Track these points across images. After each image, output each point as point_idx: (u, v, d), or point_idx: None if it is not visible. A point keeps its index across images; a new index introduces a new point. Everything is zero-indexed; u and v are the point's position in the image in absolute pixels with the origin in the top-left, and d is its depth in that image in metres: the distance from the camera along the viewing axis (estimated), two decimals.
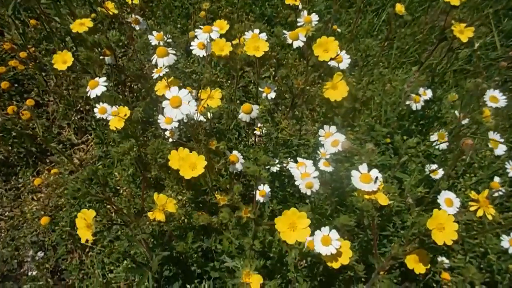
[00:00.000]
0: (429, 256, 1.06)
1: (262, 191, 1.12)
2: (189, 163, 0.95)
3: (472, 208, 0.96)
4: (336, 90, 1.09)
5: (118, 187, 1.76)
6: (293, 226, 0.84)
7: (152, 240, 1.56)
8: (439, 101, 2.06)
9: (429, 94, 1.64)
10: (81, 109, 2.07)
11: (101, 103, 1.15)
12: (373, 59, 2.11)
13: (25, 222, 1.81)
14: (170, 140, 1.29)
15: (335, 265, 0.90)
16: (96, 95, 1.10)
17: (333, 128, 1.14)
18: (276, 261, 1.35)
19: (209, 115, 1.16)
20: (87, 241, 0.96)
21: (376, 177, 0.88)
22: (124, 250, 1.52)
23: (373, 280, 1.05)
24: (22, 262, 1.74)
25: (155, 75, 1.16)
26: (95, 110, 1.18)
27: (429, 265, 1.07)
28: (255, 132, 1.58)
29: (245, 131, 1.83)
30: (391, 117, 1.94)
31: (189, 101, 0.91)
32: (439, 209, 0.90)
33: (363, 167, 0.90)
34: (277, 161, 1.37)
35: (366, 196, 0.87)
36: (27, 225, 1.81)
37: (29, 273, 1.72)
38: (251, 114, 1.21)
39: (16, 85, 2.18)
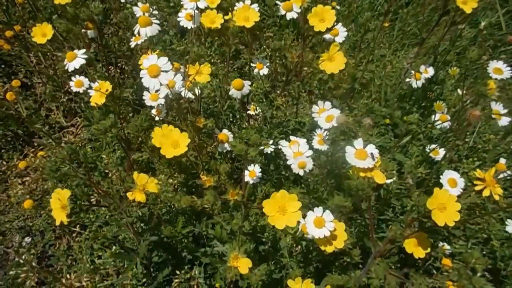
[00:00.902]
0: (429, 240, 0.99)
1: (252, 171, 1.05)
2: (171, 141, 0.88)
3: (477, 188, 0.89)
4: (333, 62, 1.02)
5: (107, 171, 1.69)
6: (282, 210, 0.78)
7: (141, 224, 1.50)
8: (442, 83, 1.98)
9: (430, 72, 1.56)
10: (69, 90, 2.00)
11: (77, 76, 1.08)
12: (373, 40, 2.02)
13: (12, 207, 1.75)
14: (157, 119, 1.22)
15: (329, 249, 0.84)
16: (75, 68, 1.02)
17: (328, 104, 1.07)
18: (269, 246, 1.29)
19: (196, 91, 1.08)
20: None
21: (372, 153, 0.81)
22: (113, 235, 1.46)
23: (369, 265, 0.99)
24: (8, 248, 1.69)
25: (133, 43, 1.08)
26: (71, 83, 1.10)
27: (429, 249, 1.01)
28: (248, 112, 1.51)
29: (239, 113, 1.75)
30: (391, 98, 1.87)
31: (167, 70, 0.84)
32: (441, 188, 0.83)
33: (359, 143, 0.83)
34: (271, 141, 1.30)
35: (362, 174, 0.81)
36: (13, 210, 1.75)
37: (16, 259, 1.66)
38: (242, 90, 1.14)
39: (3, 66, 2.11)
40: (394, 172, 0.82)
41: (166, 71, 0.84)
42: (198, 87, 1.06)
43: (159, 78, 0.84)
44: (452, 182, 0.94)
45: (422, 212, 0.84)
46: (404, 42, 2.42)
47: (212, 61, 2.12)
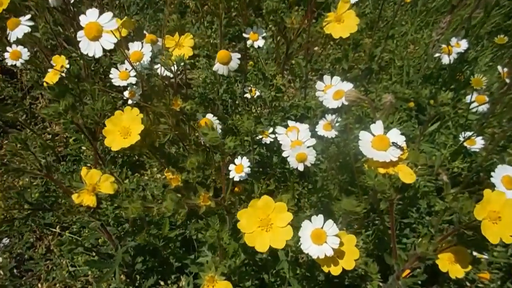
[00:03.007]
0: (470, 255, 0.76)
1: (239, 166, 0.84)
2: (119, 128, 0.67)
3: None
4: (342, 24, 0.77)
5: (89, 164, 1.50)
6: (266, 224, 0.55)
7: (124, 227, 1.31)
8: (473, 62, 1.71)
9: (463, 45, 1.30)
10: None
11: (15, 46, 0.87)
12: (392, 18, 1.77)
13: None
14: (130, 102, 1.01)
15: (334, 270, 0.61)
16: (17, 38, 0.82)
17: (336, 79, 0.83)
18: (268, 255, 1.07)
19: (172, 65, 0.87)
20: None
21: (396, 142, 0.58)
22: (88, 240, 1.27)
23: (390, 286, 0.76)
24: None
25: None
26: (6, 54, 0.90)
27: (470, 267, 0.77)
28: (245, 95, 1.28)
29: (241, 99, 1.53)
30: (414, 79, 1.61)
31: (110, 29, 0.62)
32: (493, 190, 0.59)
33: (377, 126, 0.60)
34: (271, 129, 1.07)
35: (381, 170, 0.58)
36: None
37: None
38: (229, 64, 0.92)
39: None
40: (427, 167, 0.59)
41: (110, 32, 0.62)
42: (174, 61, 0.85)
43: (100, 41, 0.63)
44: (509, 181, 0.69)
45: (465, 221, 0.61)
46: (428, 20, 2.15)
47: (212, 42, 1.91)
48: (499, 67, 1.19)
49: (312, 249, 0.58)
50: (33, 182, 1.53)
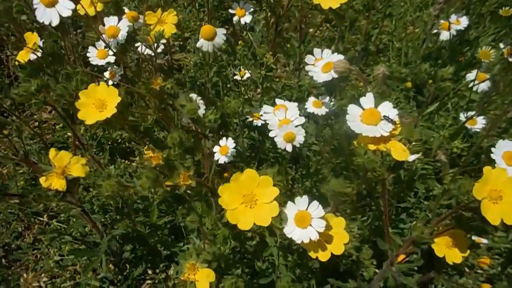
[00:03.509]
0: (468, 239, 0.72)
1: (224, 147, 0.79)
2: (94, 101, 0.62)
3: None
4: None
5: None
6: (250, 200, 0.51)
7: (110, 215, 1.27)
8: (475, 42, 1.65)
9: (463, 22, 1.24)
10: None
11: None
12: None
13: None
14: (110, 83, 0.96)
15: (322, 256, 0.57)
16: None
17: (327, 52, 0.77)
18: (258, 241, 1.03)
19: (152, 42, 0.81)
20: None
21: (388, 116, 0.53)
22: (70, 228, 1.23)
23: (383, 274, 0.72)
24: None
25: None
26: None
27: (468, 252, 0.73)
28: (235, 77, 1.23)
29: (231, 82, 1.47)
30: (413, 60, 1.55)
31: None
32: (493, 167, 0.54)
33: (367, 100, 0.55)
34: (261, 110, 1.02)
35: (372, 146, 0.53)
36: None
37: None
38: (214, 40, 0.86)
39: None
40: (421, 143, 0.54)
41: None
42: (153, 36, 0.79)
43: (57, 7, 0.57)
44: (510, 157, 0.64)
45: (464, 201, 0.57)
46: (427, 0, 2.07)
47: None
48: (501, 44, 1.13)
49: (296, 233, 0.53)
50: (19, 170, 1.48)
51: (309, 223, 0.54)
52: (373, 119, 0.53)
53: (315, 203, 0.55)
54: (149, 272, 1.21)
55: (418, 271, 1.04)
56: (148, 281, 1.20)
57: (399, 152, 0.53)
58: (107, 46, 0.75)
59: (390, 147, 0.53)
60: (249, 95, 1.22)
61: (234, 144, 0.80)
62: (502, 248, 1.27)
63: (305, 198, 0.55)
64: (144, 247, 1.24)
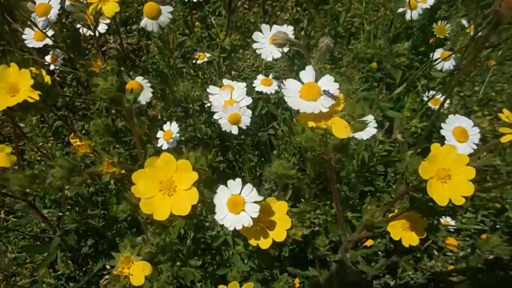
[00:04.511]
0: (424, 221, 0.69)
1: (168, 132, 0.73)
2: (4, 84, 0.56)
3: (506, 139, 0.55)
4: None
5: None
6: (168, 187, 0.46)
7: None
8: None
9: (430, 1, 1.20)
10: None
11: None
12: None
13: None
14: (52, 67, 0.89)
15: (263, 243, 0.53)
16: None
17: (277, 27, 0.72)
18: (218, 231, 0.98)
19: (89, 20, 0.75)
20: None
21: (328, 90, 0.49)
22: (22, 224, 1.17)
23: (340, 258, 0.69)
24: None
25: None
26: None
27: (425, 234, 0.70)
28: (195, 61, 1.17)
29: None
30: (381, 43, 1.52)
31: None
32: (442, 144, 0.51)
33: (307, 73, 0.51)
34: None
35: (312, 124, 0.49)
36: None
37: None
38: (158, 19, 0.80)
39: None
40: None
41: None
42: (88, 13, 0.73)
43: None
44: (461, 133, 0.60)
45: (414, 181, 0.53)
46: None
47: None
48: (463, 21, 1.10)
49: (228, 219, 0.49)
50: None
51: (242, 208, 0.49)
52: (312, 94, 0.49)
53: (249, 186, 0.50)
54: (108, 267, 1.15)
55: (385, 256, 1.02)
56: (107, 276, 1.15)
57: (341, 128, 0.49)
58: (35, 25, 0.68)
59: (331, 124, 0.49)
60: (206, 79, 1.17)
61: (178, 129, 0.75)
62: (472, 229, 1.26)
63: (238, 181, 0.50)
64: (104, 242, 1.18)
